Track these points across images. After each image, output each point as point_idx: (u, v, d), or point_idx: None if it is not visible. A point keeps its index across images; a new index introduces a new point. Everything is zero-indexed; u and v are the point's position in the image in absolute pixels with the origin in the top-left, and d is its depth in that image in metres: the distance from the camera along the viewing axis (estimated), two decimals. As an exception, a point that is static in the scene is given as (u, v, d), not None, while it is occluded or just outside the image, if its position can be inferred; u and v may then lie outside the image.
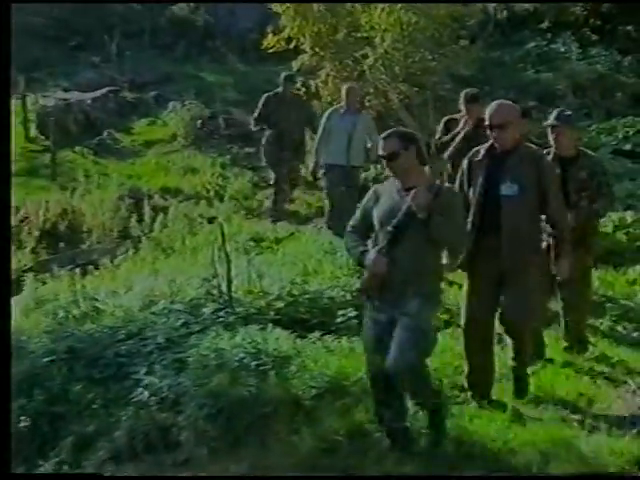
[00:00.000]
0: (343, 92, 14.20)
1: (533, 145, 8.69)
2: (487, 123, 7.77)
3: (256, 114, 15.90)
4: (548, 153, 8.90)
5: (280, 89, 15.68)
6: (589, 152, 9.37)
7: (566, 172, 8.86)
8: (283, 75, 15.96)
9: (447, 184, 7.79)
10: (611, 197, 9.44)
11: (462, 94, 11.34)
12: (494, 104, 7.91)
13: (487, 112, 7.83)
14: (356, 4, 17.53)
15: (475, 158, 7.95)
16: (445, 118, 11.83)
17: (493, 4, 24.67)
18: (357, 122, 13.77)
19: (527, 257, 7.68)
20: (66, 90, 23.81)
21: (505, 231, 7.63)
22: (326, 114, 14.18)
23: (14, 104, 22.20)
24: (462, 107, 11.28)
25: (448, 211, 6.85)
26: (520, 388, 8.07)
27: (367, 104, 16.09)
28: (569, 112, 9.40)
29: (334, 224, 13.15)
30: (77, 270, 11.27)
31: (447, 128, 11.48)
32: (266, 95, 15.83)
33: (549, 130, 9.11)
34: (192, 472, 7.27)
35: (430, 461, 7.03)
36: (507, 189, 7.62)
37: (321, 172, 14.27)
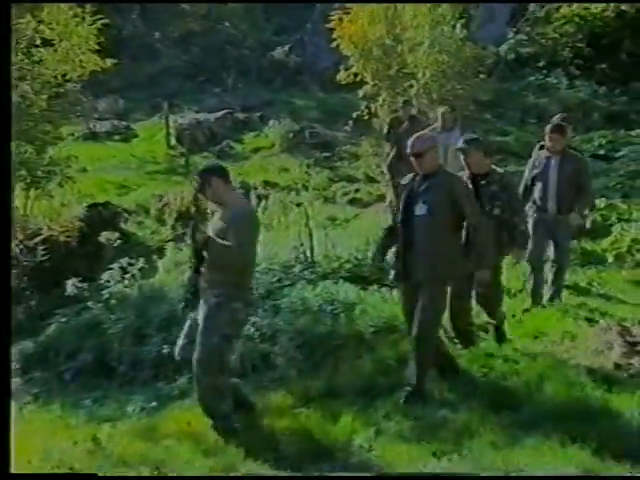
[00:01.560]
0: (438, 115, 13.05)
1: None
2: (408, 152, 6.95)
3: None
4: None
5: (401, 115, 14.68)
6: (499, 170, 8.00)
7: (478, 187, 7.62)
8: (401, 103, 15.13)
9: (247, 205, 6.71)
10: (521, 209, 8.19)
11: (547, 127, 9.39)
12: (413, 137, 7.07)
13: (407, 144, 6.97)
14: (404, 48, 17.39)
15: (403, 182, 7.19)
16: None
17: (505, 47, 24.53)
18: (451, 137, 12.84)
19: (437, 270, 6.67)
20: (197, 112, 23.99)
21: (418, 247, 6.74)
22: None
23: (160, 123, 22.54)
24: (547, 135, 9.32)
25: (229, 234, 6.17)
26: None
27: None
28: (476, 136, 8.15)
29: None
30: (203, 241, 11.27)
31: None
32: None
33: (459, 152, 7.86)
34: (284, 387, 7.27)
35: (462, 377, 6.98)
36: (419, 209, 6.79)
37: None
